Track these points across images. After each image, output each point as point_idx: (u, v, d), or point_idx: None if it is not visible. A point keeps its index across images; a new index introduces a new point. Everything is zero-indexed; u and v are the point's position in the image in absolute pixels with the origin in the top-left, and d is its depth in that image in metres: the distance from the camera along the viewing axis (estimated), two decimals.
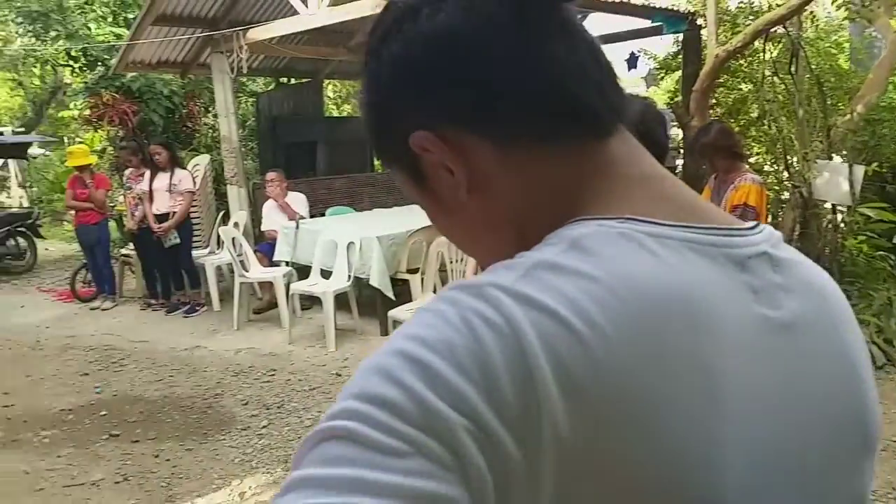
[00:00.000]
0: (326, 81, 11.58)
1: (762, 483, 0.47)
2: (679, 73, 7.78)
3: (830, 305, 0.56)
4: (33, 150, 12.44)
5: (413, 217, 5.69)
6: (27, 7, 10.09)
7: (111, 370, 5.17)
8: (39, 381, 5.00)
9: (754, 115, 7.04)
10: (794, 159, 5.57)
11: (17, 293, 8.06)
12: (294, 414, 4.21)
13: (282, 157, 8.91)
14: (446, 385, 0.40)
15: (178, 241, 6.54)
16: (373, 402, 0.40)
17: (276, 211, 6.65)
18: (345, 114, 14.35)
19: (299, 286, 5.72)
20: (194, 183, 6.76)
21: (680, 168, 7.36)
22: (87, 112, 9.15)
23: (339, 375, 4.82)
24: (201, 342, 5.76)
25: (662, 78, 8.76)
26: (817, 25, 7.51)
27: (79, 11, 10.07)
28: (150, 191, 6.49)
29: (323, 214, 7.39)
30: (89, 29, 9.89)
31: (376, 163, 10.37)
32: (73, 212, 7.25)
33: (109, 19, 9.95)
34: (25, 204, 11.64)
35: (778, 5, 5.86)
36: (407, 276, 5.46)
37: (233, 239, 6.25)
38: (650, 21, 7.24)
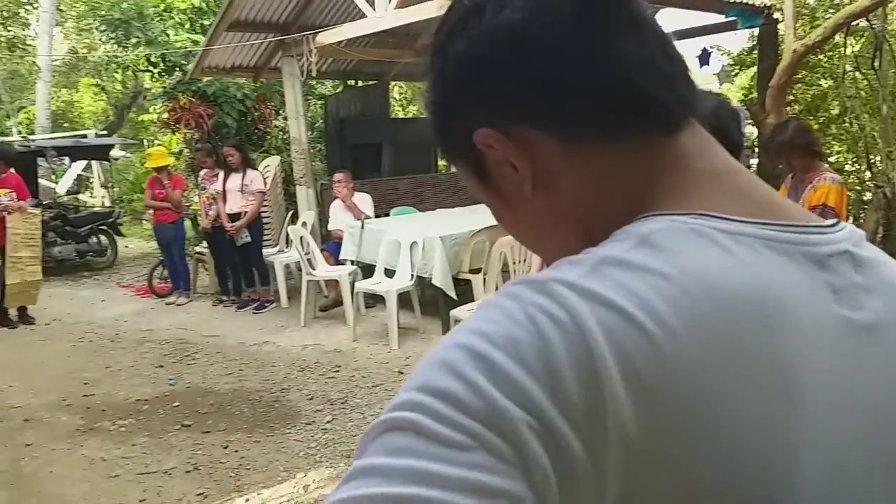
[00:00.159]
0: (392, 83, 11.71)
1: (836, 486, 0.46)
2: (754, 69, 7.53)
3: None
4: (115, 153, 13.03)
5: (476, 217, 5.69)
6: (110, 15, 10.59)
7: (184, 363, 5.38)
8: (118, 371, 5.24)
9: (834, 112, 6.75)
10: (877, 158, 5.31)
11: (98, 288, 8.47)
12: (357, 410, 4.28)
13: (349, 158, 9.06)
14: (509, 381, 0.40)
15: (249, 239, 6.74)
16: (436, 394, 0.40)
17: (342, 211, 6.77)
18: (410, 115, 14.49)
19: (363, 285, 5.80)
20: (265, 183, 6.95)
21: (755, 167, 7.12)
22: (165, 115, 9.54)
23: (402, 373, 4.86)
24: (269, 338, 5.91)
25: (736, 74, 8.50)
26: None
27: (158, 19, 10.50)
28: (224, 191, 6.72)
29: (388, 214, 7.48)
30: (168, 35, 10.31)
31: (440, 163, 10.43)
32: (151, 211, 7.58)
33: (186, 26, 10.34)
34: (107, 203, 12.19)
35: None
36: (469, 277, 5.47)
37: (301, 238, 6.40)
38: (723, 16, 7.03)
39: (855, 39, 6.00)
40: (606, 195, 0.53)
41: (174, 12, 10.48)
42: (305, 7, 7.62)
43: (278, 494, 3.30)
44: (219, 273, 7.22)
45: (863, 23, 5.42)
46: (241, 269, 6.98)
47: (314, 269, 6.22)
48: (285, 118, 8.81)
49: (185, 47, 9.68)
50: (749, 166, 7.31)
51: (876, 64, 5.31)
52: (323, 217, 7.61)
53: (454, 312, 4.94)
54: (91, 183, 14.43)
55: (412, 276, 5.57)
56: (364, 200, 6.83)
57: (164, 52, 9.85)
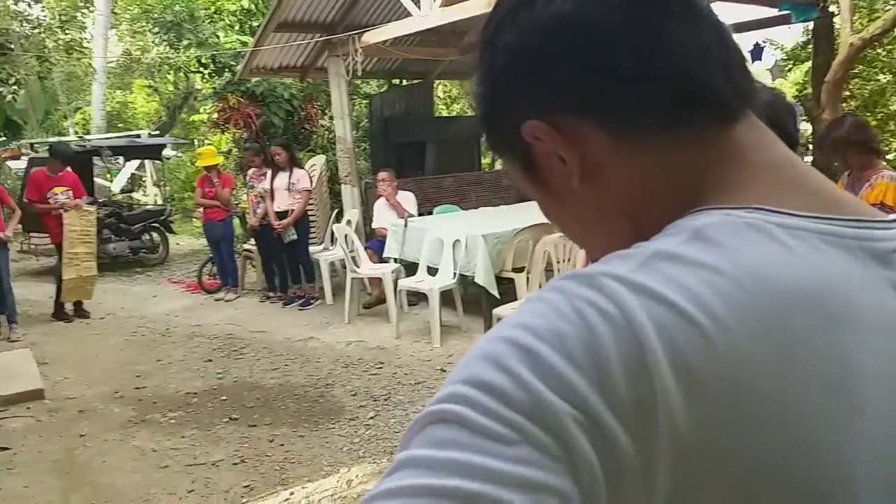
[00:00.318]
0: (437, 82, 11.74)
1: (889, 481, 0.45)
2: (808, 64, 7.31)
3: None
4: (167, 152, 13.37)
5: (519, 216, 5.66)
6: (163, 18, 10.88)
7: (232, 357, 5.49)
8: (168, 365, 5.38)
9: (893, 108, 6.51)
10: None
11: (150, 284, 8.72)
12: (399, 407, 4.30)
13: (393, 156, 9.12)
14: (555, 374, 0.40)
15: (295, 237, 6.85)
16: (480, 387, 0.40)
17: (386, 209, 6.82)
18: (454, 114, 14.50)
19: (406, 282, 5.83)
20: (311, 182, 7.05)
21: (809, 164, 6.91)
22: (215, 115, 9.76)
23: (444, 371, 4.87)
24: (314, 334, 5.99)
25: (790, 69, 8.28)
26: None
27: (208, 21, 10.75)
28: (271, 189, 6.83)
29: (431, 213, 7.50)
30: (218, 37, 10.55)
31: (483, 162, 10.41)
32: (201, 209, 7.75)
33: (236, 28, 10.56)
34: (159, 201, 12.52)
35: None
36: (512, 275, 5.44)
37: (345, 236, 6.47)
38: (777, 9, 6.84)
39: None
40: (658, 188, 0.52)
41: (224, 14, 10.71)
42: (352, 7, 7.69)
43: (322, 489, 3.34)
44: (266, 270, 7.35)
45: None
46: (287, 266, 7.09)
47: (358, 266, 6.28)
48: (331, 117, 8.92)
49: (235, 48, 9.88)
50: None
51: None
52: (367, 215, 7.68)
53: (497, 311, 4.92)
54: (144, 181, 14.84)
55: (455, 274, 5.57)
56: (407, 199, 6.87)
57: (215, 53, 10.08)
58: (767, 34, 7.77)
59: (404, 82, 10.48)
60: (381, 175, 6.91)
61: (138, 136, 13.90)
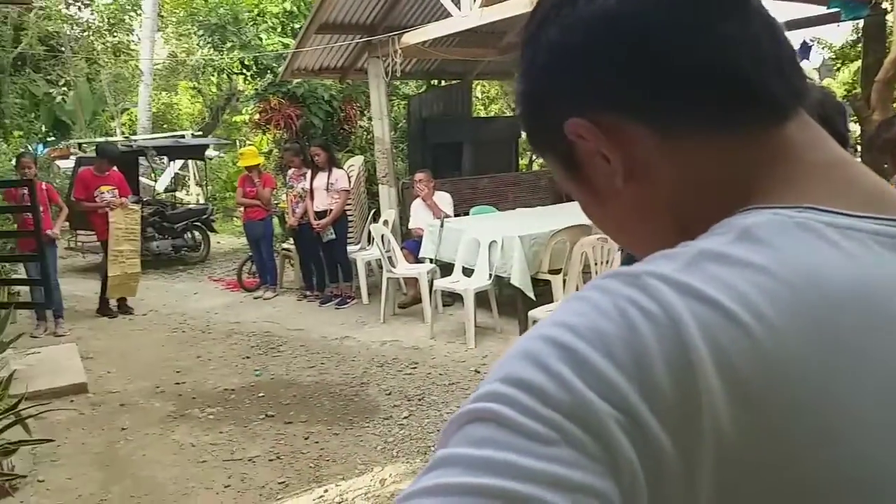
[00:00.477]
0: (475, 82, 11.72)
1: None
2: (858, 63, 7.09)
3: None
4: (209, 152, 13.60)
5: (556, 217, 5.61)
6: (207, 20, 11.08)
7: (269, 355, 5.56)
8: (207, 361, 5.47)
9: None
10: None
11: (192, 281, 8.89)
12: (433, 407, 4.30)
13: (430, 157, 9.13)
14: (595, 373, 0.39)
15: (334, 236, 6.91)
16: (519, 385, 0.39)
17: (423, 209, 6.83)
18: (492, 114, 14.46)
19: (442, 283, 5.83)
20: (349, 182, 7.11)
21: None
22: (257, 116, 9.91)
23: (478, 372, 4.86)
24: (350, 333, 6.04)
25: (839, 69, 8.05)
26: None
27: (251, 23, 10.90)
28: (311, 189, 6.91)
29: (467, 213, 7.49)
30: (260, 39, 10.69)
31: (521, 162, 10.36)
32: (241, 208, 7.88)
33: (278, 30, 10.69)
34: (201, 201, 12.77)
35: None
36: (549, 277, 5.40)
37: (382, 236, 6.50)
38: (825, 7, 6.64)
39: None
40: (705, 188, 0.51)
41: (267, 16, 10.85)
42: (392, 8, 7.72)
43: (356, 487, 3.36)
44: (304, 269, 7.43)
45: None
46: (325, 265, 7.16)
47: (394, 266, 6.30)
48: (370, 118, 8.97)
49: (277, 51, 10.01)
50: None
51: None
52: (404, 215, 7.70)
53: (532, 313, 4.88)
54: (187, 181, 15.16)
55: (490, 275, 5.55)
56: (444, 199, 6.87)
57: (257, 55, 10.22)
58: (815, 33, 7.57)
59: (443, 83, 10.49)
60: (418, 176, 6.93)
61: (182, 136, 14.20)
